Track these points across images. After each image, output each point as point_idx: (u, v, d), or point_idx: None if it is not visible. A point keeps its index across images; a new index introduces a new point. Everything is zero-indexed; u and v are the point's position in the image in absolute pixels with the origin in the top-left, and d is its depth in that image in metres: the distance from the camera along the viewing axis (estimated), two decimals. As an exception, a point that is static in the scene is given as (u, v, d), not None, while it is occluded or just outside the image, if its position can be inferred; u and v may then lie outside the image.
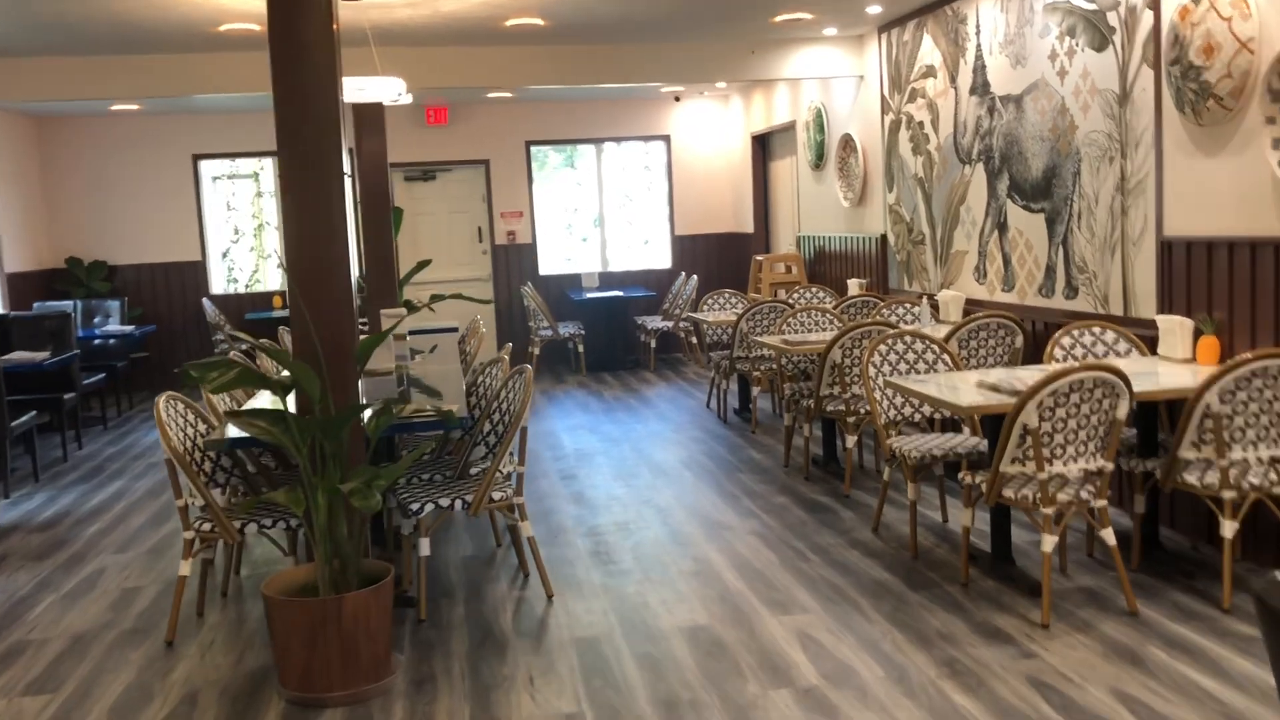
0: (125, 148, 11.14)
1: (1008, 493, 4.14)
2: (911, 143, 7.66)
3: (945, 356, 5.26)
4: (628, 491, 6.28)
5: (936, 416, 5.48)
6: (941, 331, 6.24)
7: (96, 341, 9.69)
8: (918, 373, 5.22)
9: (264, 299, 11.40)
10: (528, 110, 11.78)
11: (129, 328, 9.83)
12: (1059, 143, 5.84)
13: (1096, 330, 5.18)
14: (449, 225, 11.92)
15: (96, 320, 10.11)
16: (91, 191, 11.15)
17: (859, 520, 5.46)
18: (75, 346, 8.18)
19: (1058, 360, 5.14)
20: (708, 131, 12.21)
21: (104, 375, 8.99)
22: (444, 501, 4.32)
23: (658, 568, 4.90)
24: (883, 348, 5.20)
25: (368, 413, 4.01)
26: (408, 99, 9.14)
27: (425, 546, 4.30)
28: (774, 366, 7.40)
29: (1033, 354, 6.01)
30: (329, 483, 3.56)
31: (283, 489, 3.72)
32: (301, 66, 3.84)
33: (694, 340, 11.24)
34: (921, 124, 7.48)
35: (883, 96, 8.12)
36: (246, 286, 11.70)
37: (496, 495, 4.43)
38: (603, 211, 12.28)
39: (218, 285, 11.56)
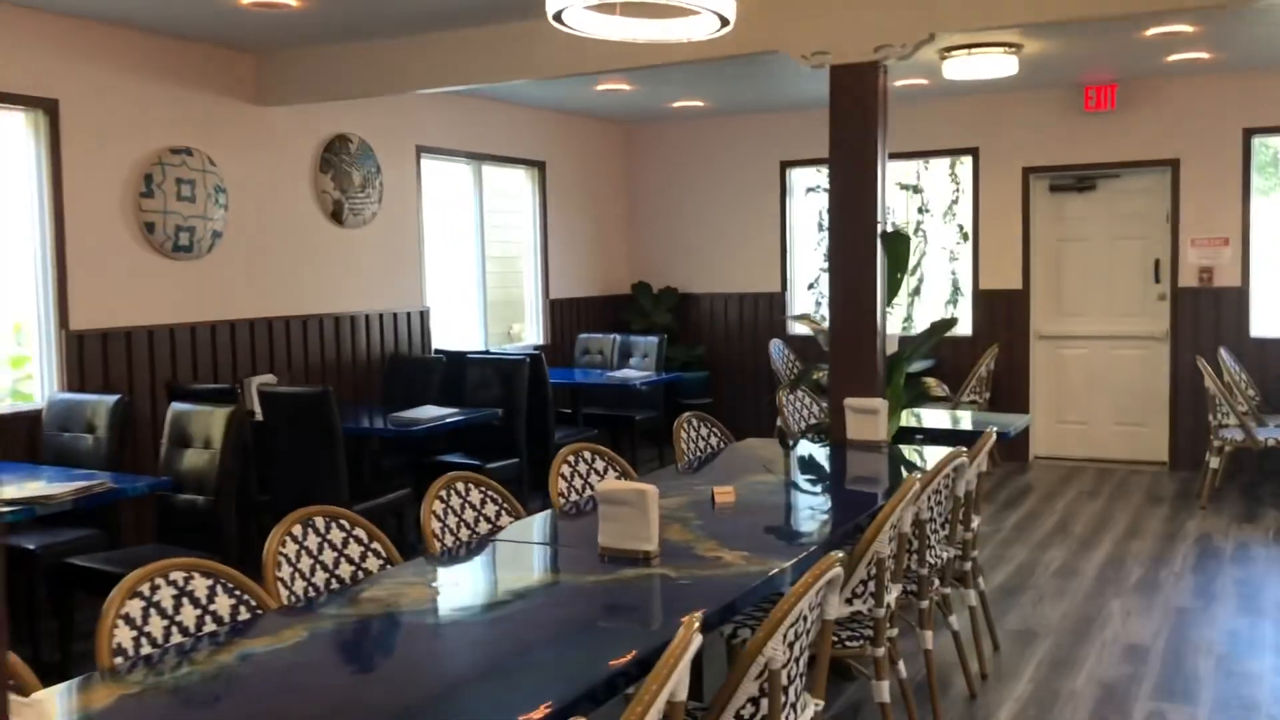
0: (701, 154, 9.37)
1: None
2: None
3: None
4: None
5: None
6: None
7: (623, 386, 8.04)
8: None
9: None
10: (1240, 83, 7.55)
11: (644, 373, 7.95)
12: None
13: None
14: (1110, 257, 8.17)
15: (633, 361, 8.44)
16: (667, 208, 9.59)
17: None
18: (522, 405, 6.41)
19: None
20: None
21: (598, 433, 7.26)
22: None
23: None
24: None
25: None
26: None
27: None
28: None
29: None
30: None
31: None
32: None
33: None
34: None
35: None
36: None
37: None
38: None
39: (800, 324, 9.28)
